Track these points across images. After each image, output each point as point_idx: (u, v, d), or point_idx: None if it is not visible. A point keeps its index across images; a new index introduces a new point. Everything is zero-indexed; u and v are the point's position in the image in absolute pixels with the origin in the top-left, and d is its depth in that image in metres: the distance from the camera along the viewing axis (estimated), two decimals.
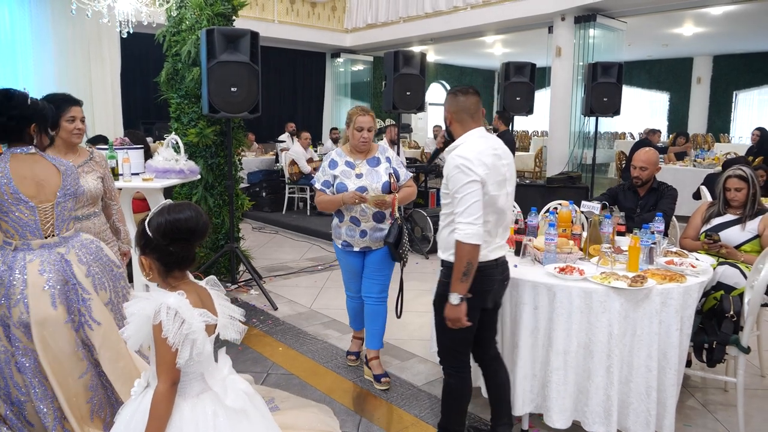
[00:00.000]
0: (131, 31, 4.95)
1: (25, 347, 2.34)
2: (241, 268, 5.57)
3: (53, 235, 2.45)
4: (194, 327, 1.71)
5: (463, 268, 2.40)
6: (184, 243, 1.77)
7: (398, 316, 3.51)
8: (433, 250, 6.49)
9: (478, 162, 2.43)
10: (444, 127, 2.86)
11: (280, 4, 12.30)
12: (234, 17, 5.39)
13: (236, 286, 5.37)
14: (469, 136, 2.57)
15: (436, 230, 6.75)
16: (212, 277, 1.97)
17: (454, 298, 2.43)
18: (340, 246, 3.52)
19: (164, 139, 5.99)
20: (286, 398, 3.11)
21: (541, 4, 9.44)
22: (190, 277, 1.89)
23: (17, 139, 2.43)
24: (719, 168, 8.08)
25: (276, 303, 4.94)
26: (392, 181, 3.41)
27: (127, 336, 1.74)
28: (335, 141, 11.30)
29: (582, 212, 3.43)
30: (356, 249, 3.45)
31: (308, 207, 9.17)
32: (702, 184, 6.74)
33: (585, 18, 9.13)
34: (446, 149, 2.64)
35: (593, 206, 3.33)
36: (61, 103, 2.88)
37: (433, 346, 3.53)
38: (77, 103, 2.95)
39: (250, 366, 3.72)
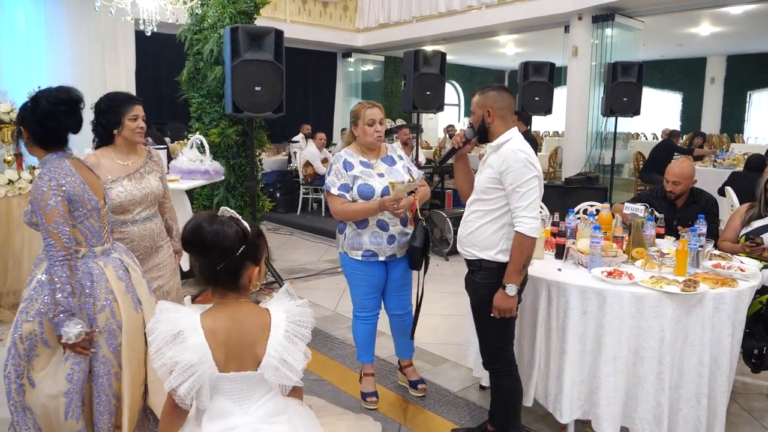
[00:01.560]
0: (155, 29, 4.89)
1: (104, 356, 2.27)
2: None
3: (108, 242, 2.39)
4: (177, 357, 1.53)
5: (524, 260, 2.44)
6: (200, 257, 1.63)
7: (410, 338, 3.27)
8: (453, 251, 6.42)
9: (535, 158, 2.47)
10: (467, 125, 2.75)
11: (292, 3, 12.23)
12: (256, 15, 5.33)
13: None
14: (514, 132, 2.57)
15: (455, 231, 6.68)
16: (300, 306, 1.72)
17: (512, 289, 2.45)
18: (360, 258, 3.09)
19: (182, 139, 5.94)
20: (322, 407, 3.03)
21: (558, 3, 9.33)
22: (270, 297, 1.72)
23: (63, 143, 2.32)
24: (740, 168, 7.98)
25: None
26: (412, 179, 3.13)
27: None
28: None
29: (625, 214, 3.34)
30: (381, 258, 3.09)
31: (323, 208, 9.10)
32: (726, 183, 6.64)
33: (603, 17, 9.02)
34: (491, 144, 2.58)
35: (637, 208, 3.25)
36: (123, 101, 2.79)
37: (469, 354, 3.45)
38: (139, 101, 2.86)
39: None
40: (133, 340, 2.32)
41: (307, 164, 9.03)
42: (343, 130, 12.17)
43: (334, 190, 3.03)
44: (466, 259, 2.69)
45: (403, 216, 3.05)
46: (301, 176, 9.20)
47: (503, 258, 2.52)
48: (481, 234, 2.57)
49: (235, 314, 1.64)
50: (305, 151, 9.28)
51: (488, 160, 2.57)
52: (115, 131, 2.78)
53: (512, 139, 2.52)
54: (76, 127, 2.34)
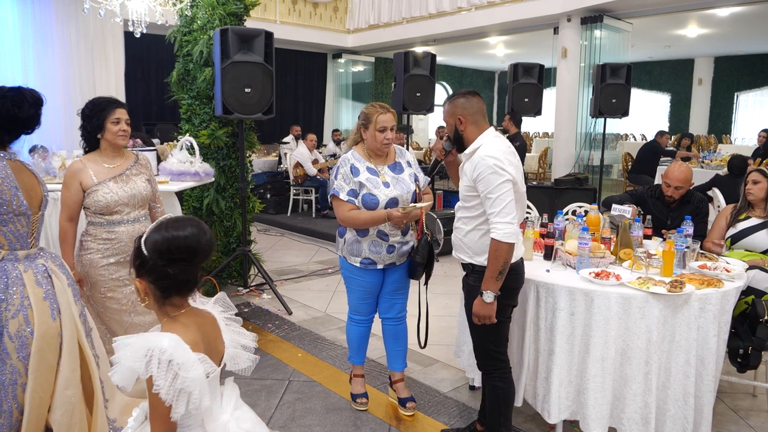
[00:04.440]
0: (144, 31, 4.86)
1: (12, 365, 2.19)
2: (252, 271, 5.49)
3: (34, 247, 2.35)
4: (190, 378, 1.46)
5: (500, 266, 2.40)
6: (184, 264, 1.55)
7: (423, 346, 3.20)
8: (444, 252, 6.43)
9: (507, 161, 2.44)
10: (444, 138, 2.77)
11: (282, 4, 12.22)
12: (245, 17, 5.32)
13: (248, 290, 5.29)
14: (486, 136, 2.55)
15: (445, 232, 6.69)
16: (220, 295, 1.77)
17: (489, 296, 2.42)
18: (358, 264, 3.06)
19: (171, 140, 5.92)
20: None
21: (546, 5, 9.39)
22: (195, 301, 1.69)
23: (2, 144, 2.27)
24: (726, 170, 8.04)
25: (290, 307, 4.87)
26: (417, 188, 3.08)
27: (117, 382, 1.50)
28: (338, 143, 11.23)
29: (613, 215, 3.37)
30: (379, 266, 3.07)
31: (313, 209, 9.10)
32: (708, 185, 6.69)
33: (591, 19, 9.09)
34: (465, 152, 2.58)
35: (624, 210, 3.28)
36: (105, 105, 2.83)
37: (458, 353, 3.48)
38: (122, 105, 2.89)
39: (271, 373, 3.65)
40: (45, 348, 2.24)
41: (298, 165, 9.02)
42: (334, 131, 12.16)
43: (343, 196, 2.94)
44: (461, 263, 2.70)
45: (404, 227, 3.02)
46: (291, 177, 9.19)
47: None
48: (469, 241, 2.58)
49: (197, 320, 1.63)
50: (296, 152, 9.28)
51: (464, 168, 2.58)
52: (99, 135, 2.85)
53: (483, 145, 2.50)
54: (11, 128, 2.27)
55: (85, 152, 2.94)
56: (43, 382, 2.24)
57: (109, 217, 2.87)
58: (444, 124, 2.73)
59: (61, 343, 2.32)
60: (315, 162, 9.18)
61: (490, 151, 2.45)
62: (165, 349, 1.46)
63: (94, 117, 2.82)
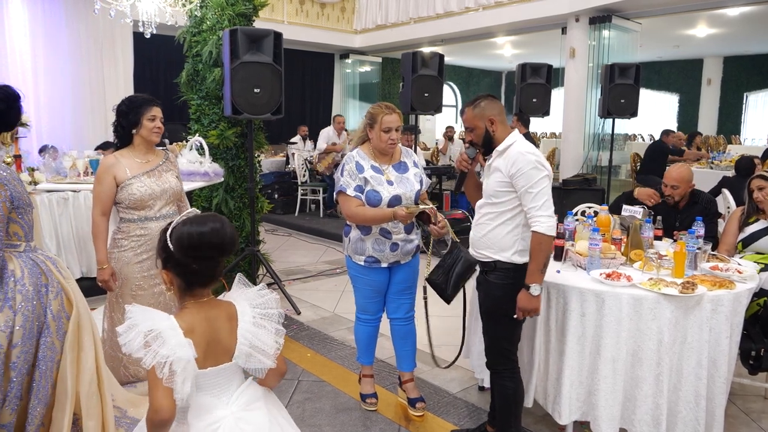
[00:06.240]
0: (154, 31, 4.88)
1: (52, 342, 2.30)
2: (261, 271, 5.50)
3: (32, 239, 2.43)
4: (163, 355, 1.51)
5: (545, 259, 2.44)
6: (207, 260, 1.62)
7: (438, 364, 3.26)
8: None
9: (543, 158, 2.48)
10: (465, 146, 2.78)
11: (290, 4, 12.23)
12: (254, 17, 5.33)
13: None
14: (517, 135, 2.58)
15: (457, 233, 6.67)
16: (257, 291, 1.76)
17: (536, 289, 2.45)
18: (362, 263, 3.08)
19: (180, 140, 5.94)
20: None
21: (554, 5, 9.35)
22: (224, 295, 1.74)
23: None
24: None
25: (298, 307, 4.87)
26: (421, 189, 3.11)
27: (130, 352, 1.56)
28: (339, 132, 11.19)
29: (623, 216, 3.35)
30: (384, 265, 3.09)
31: (321, 209, 9.11)
32: (717, 187, 6.64)
33: (600, 19, 9.05)
34: (497, 149, 2.57)
35: (635, 210, 3.27)
36: (143, 102, 2.94)
37: (466, 354, 3.47)
38: (158, 103, 3.00)
39: None
40: (75, 327, 2.37)
41: (321, 159, 8.97)
42: (338, 115, 12.14)
43: (350, 192, 2.96)
44: (479, 261, 2.69)
45: (408, 223, 3.01)
46: (299, 177, 9.19)
47: (519, 259, 2.53)
48: (495, 236, 2.57)
49: (207, 313, 1.66)
50: (322, 134, 9.26)
51: (494, 164, 2.56)
52: (134, 131, 2.95)
53: (516, 141, 2.53)
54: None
55: (116, 148, 3.05)
56: (75, 358, 2.36)
57: (141, 212, 2.98)
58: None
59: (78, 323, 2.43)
60: (333, 144, 9.15)
61: (527, 147, 2.50)
62: (159, 328, 1.54)
63: (131, 113, 2.92)
